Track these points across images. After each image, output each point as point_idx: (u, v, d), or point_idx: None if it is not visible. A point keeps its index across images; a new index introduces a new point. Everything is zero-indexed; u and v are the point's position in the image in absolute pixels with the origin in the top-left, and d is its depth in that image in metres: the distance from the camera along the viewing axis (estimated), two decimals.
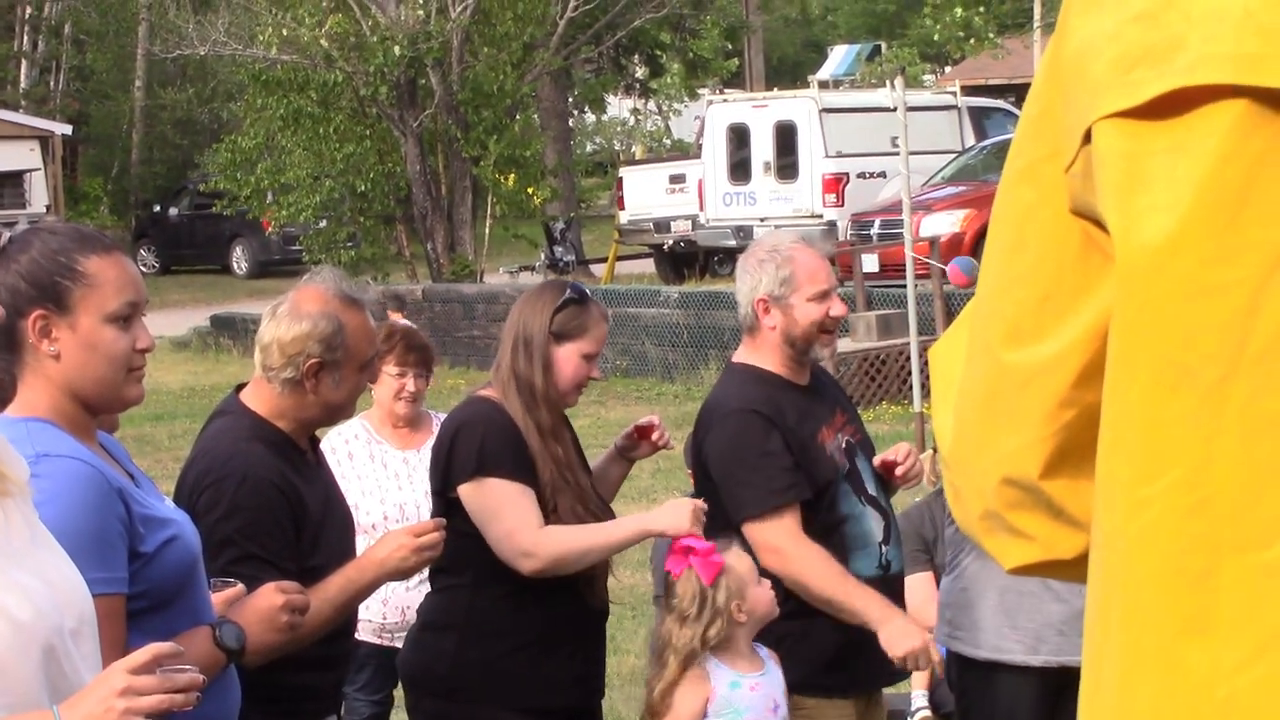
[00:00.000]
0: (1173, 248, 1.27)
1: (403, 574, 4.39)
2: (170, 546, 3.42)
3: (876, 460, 5.16)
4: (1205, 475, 1.28)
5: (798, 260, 5.07)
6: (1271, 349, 1.26)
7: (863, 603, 4.86)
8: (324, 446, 6.53)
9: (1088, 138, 1.34)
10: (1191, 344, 1.28)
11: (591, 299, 5.01)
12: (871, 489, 5.12)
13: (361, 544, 6.36)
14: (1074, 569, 1.47)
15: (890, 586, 5.10)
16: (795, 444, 4.98)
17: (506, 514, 4.77)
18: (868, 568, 5.01)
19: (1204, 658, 1.28)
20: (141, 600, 3.35)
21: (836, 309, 5.08)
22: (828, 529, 4.97)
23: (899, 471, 5.15)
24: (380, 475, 6.46)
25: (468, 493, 4.81)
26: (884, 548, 5.10)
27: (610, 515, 4.99)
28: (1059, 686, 5.20)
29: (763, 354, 5.12)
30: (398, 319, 7.59)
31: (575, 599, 4.85)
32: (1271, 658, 1.26)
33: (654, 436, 5.11)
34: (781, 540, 4.90)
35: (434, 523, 4.40)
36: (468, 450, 4.83)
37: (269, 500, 4.20)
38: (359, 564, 4.30)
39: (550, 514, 4.79)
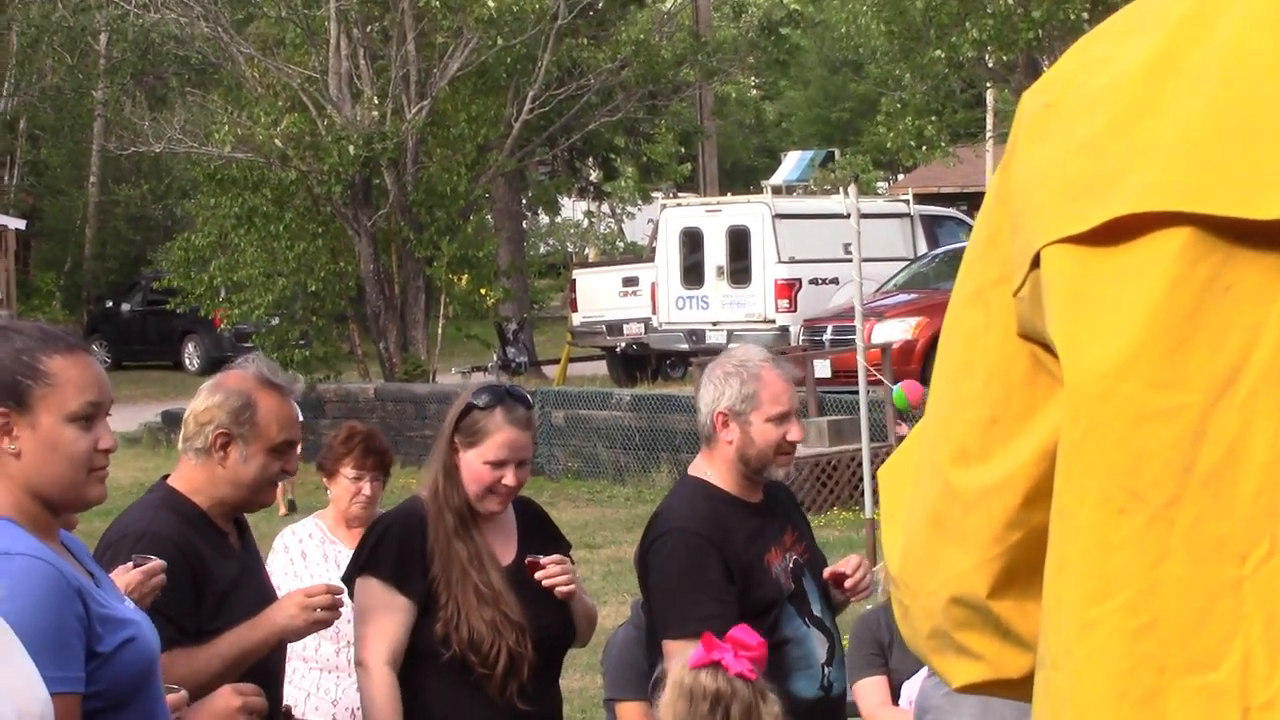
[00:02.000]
0: (1120, 372, 1.30)
1: (295, 633, 4.47)
2: (128, 647, 3.40)
3: (826, 572, 5.13)
4: (1151, 598, 1.29)
5: (764, 379, 5.07)
6: (1218, 474, 1.28)
7: None
8: (277, 545, 6.59)
9: (1036, 262, 1.36)
10: (1139, 468, 1.29)
11: (506, 404, 4.93)
12: (817, 610, 5.11)
13: (314, 645, 6.40)
14: (1020, 688, 1.49)
15: (831, 708, 5.11)
16: (739, 566, 4.97)
17: (366, 618, 4.86)
18: (809, 689, 5.00)
19: None
20: (97, 700, 3.33)
21: (794, 433, 5.07)
22: (770, 650, 4.96)
23: (848, 584, 5.13)
24: (333, 575, 6.43)
25: (355, 587, 4.92)
26: (827, 669, 5.09)
27: (549, 609, 4.94)
28: None
29: (717, 467, 5.12)
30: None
31: (494, 695, 4.80)
32: None
33: (537, 575, 4.96)
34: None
35: (326, 586, 4.54)
36: (365, 547, 4.96)
37: (166, 557, 4.24)
38: (253, 622, 4.36)
39: (446, 602, 4.79)
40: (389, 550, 4.89)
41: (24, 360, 3.35)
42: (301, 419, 4.77)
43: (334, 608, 4.46)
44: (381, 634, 4.82)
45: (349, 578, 5.00)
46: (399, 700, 4.78)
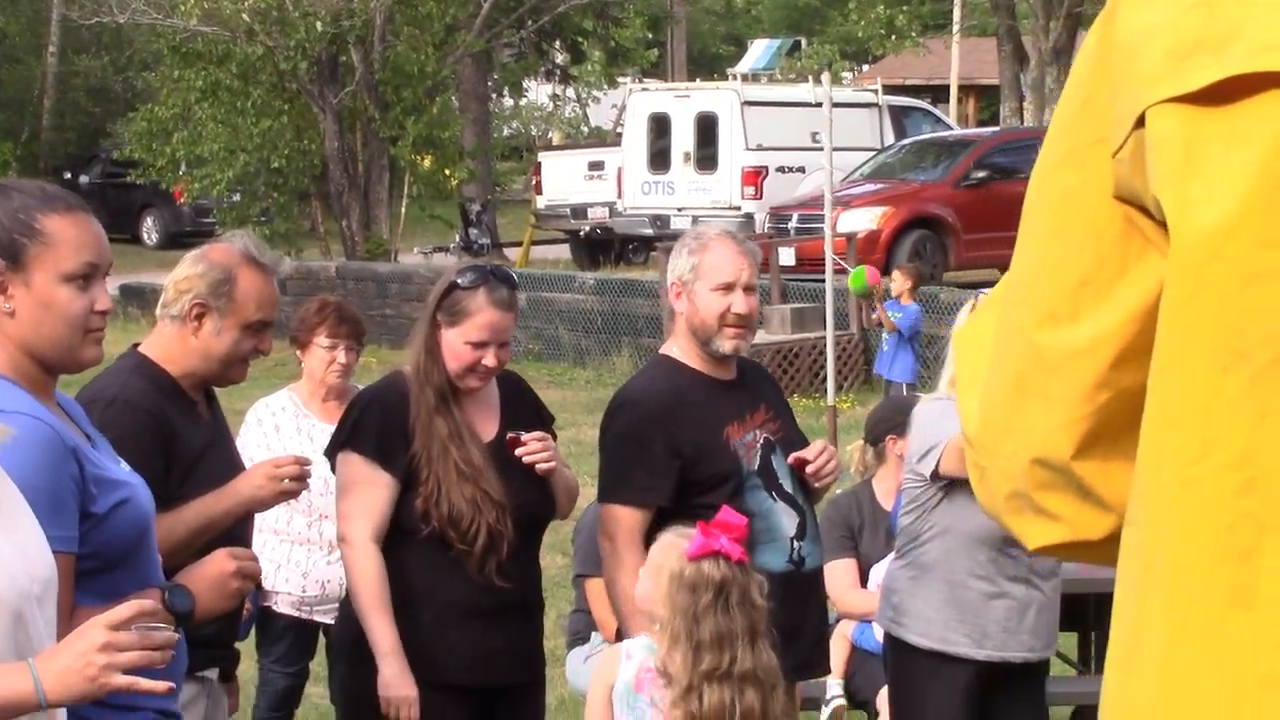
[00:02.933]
0: (1228, 233, 1.30)
1: (261, 503, 4.48)
2: (122, 509, 3.41)
3: (790, 458, 5.16)
4: (1254, 456, 1.31)
5: (711, 248, 5.11)
6: None
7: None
8: (250, 418, 6.61)
9: (1140, 123, 1.36)
10: (1244, 327, 1.30)
11: (490, 284, 4.95)
12: (788, 486, 5.15)
13: (286, 518, 6.46)
14: (1098, 550, 1.51)
15: (803, 581, 5.16)
16: (691, 439, 5.02)
17: (349, 493, 4.91)
18: (777, 562, 5.05)
19: (1248, 633, 1.30)
20: (91, 561, 3.34)
21: (739, 305, 5.06)
22: None
23: (809, 469, 5.14)
24: (306, 448, 6.46)
25: (338, 461, 4.96)
26: (797, 543, 5.14)
27: (528, 486, 5.00)
28: (994, 680, 5.35)
29: (679, 342, 5.19)
30: None
31: (474, 570, 4.86)
32: None
33: (518, 451, 5.00)
34: (616, 532, 5.00)
35: (294, 457, 4.55)
36: (347, 422, 5.00)
37: (136, 422, 4.28)
38: (220, 491, 4.36)
39: (427, 478, 4.84)
40: (371, 425, 4.92)
41: (21, 219, 3.33)
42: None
43: (301, 479, 4.48)
44: (365, 509, 4.86)
45: (330, 452, 5.03)
46: (384, 575, 4.82)
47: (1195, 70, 1.33)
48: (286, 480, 4.42)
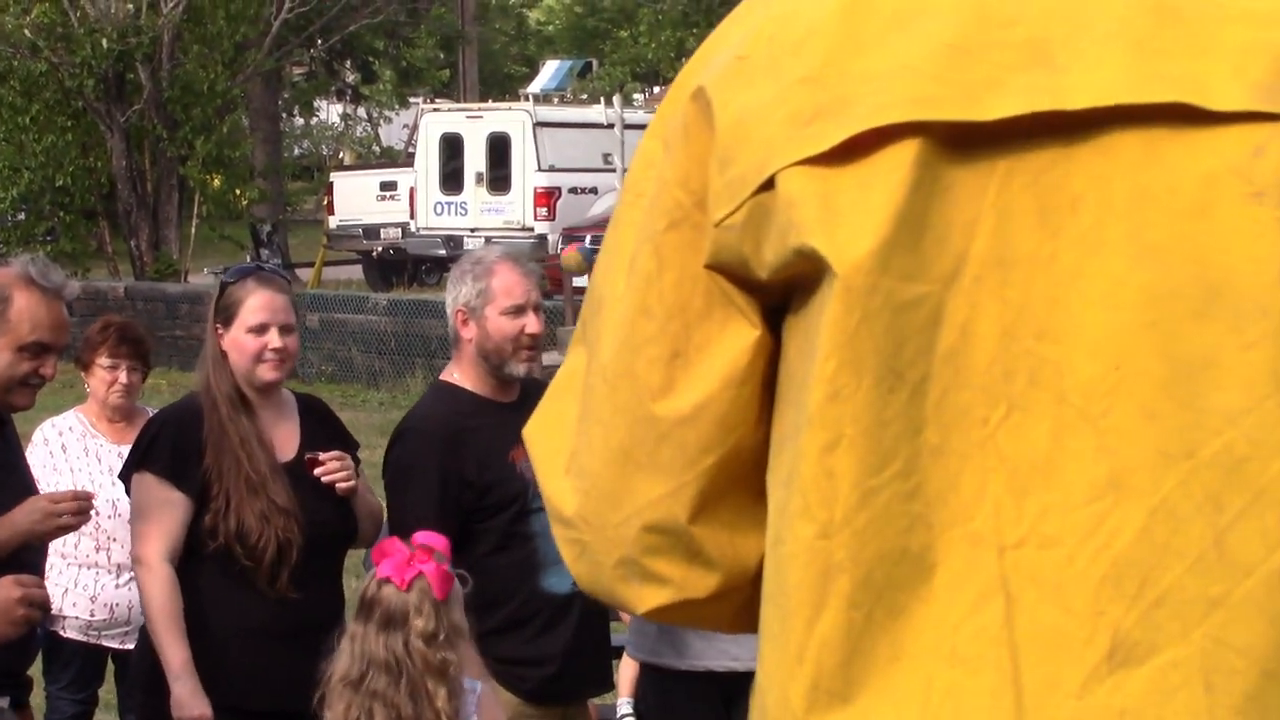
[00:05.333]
0: (880, 266, 1.45)
1: (38, 537, 4.42)
2: None
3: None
4: (917, 464, 1.48)
5: (496, 273, 5.10)
6: (955, 350, 1.47)
7: None
8: (37, 437, 6.49)
9: (762, 188, 1.50)
10: (900, 351, 1.47)
11: (256, 274, 4.99)
12: None
13: (74, 541, 6.33)
14: (703, 607, 1.64)
15: (590, 603, 5.09)
16: (477, 463, 5.00)
17: (143, 514, 4.87)
18: (561, 585, 5.03)
19: (929, 618, 1.47)
20: None
21: (532, 326, 5.07)
22: (518, 545, 5.03)
23: (318, 470, 5.03)
24: (94, 469, 6.39)
25: (132, 484, 4.92)
26: None
27: (327, 506, 4.96)
28: (731, 692, 5.38)
29: (463, 368, 5.16)
30: None
31: (262, 586, 4.82)
32: (987, 610, 1.46)
33: (316, 471, 4.98)
34: None
35: (73, 492, 4.51)
36: (141, 443, 4.96)
37: None
38: None
39: (216, 494, 4.80)
40: (164, 445, 4.87)
41: None
42: (69, 330, 4.63)
43: (81, 513, 4.41)
44: (158, 530, 4.81)
45: (125, 475, 4.97)
46: (178, 594, 4.76)
47: (819, 135, 1.48)
48: (64, 516, 4.34)
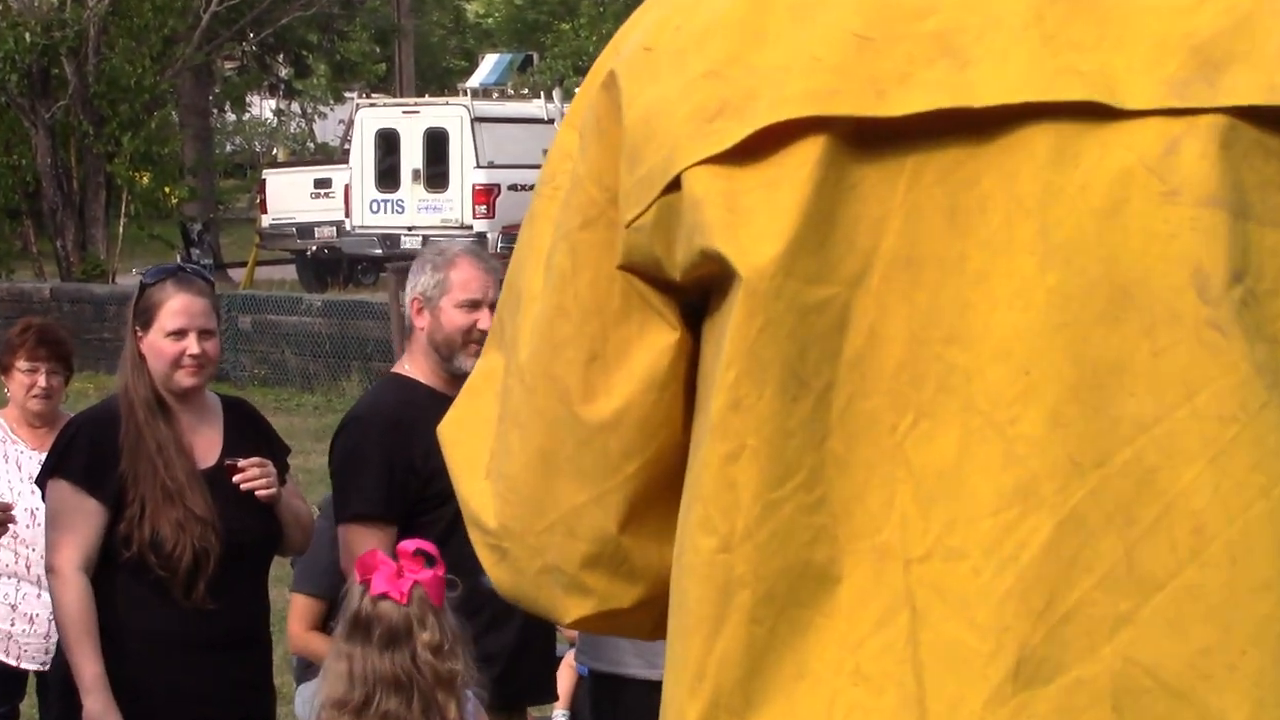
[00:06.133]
0: (785, 271, 1.43)
1: None
2: None
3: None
4: (821, 475, 1.45)
5: (456, 265, 5.14)
6: (862, 356, 1.45)
7: None
8: None
9: (669, 189, 1.48)
10: (804, 357, 1.44)
11: (177, 276, 4.99)
12: None
13: None
14: (625, 617, 1.63)
15: None
16: (420, 454, 4.97)
17: (57, 522, 4.86)
18: None
19: (834, 634, 1.45)
20: None
21: (485, 322, 5.06)
22: (462, 539, 5.00)
23: (237, 478, 5.01)
24: (13, 476, 6.35)
25: (47, 491, 4.91)
26: None
27: (248, 514, 4.94)
28: None
29: (415, 359, 5.18)
30: None
31: (178, 595, 4.79)
32: (892, 625, 1.44)
33: (235, 478, 4.95)
34: (358, 552, 4.78)
35: None
36: (56, 449, 4.95)
37: None
38: None
39: (131, 500, 4.78)
40: (80, 451, 4.86)
41: None
42: None
43: (1, 524, 4.40)
44: (73, 539, 4.79)
45: (41, 481, 4.96)
46: (91, 605, 4.75)
47: (722, 132, 1.46)
48: None
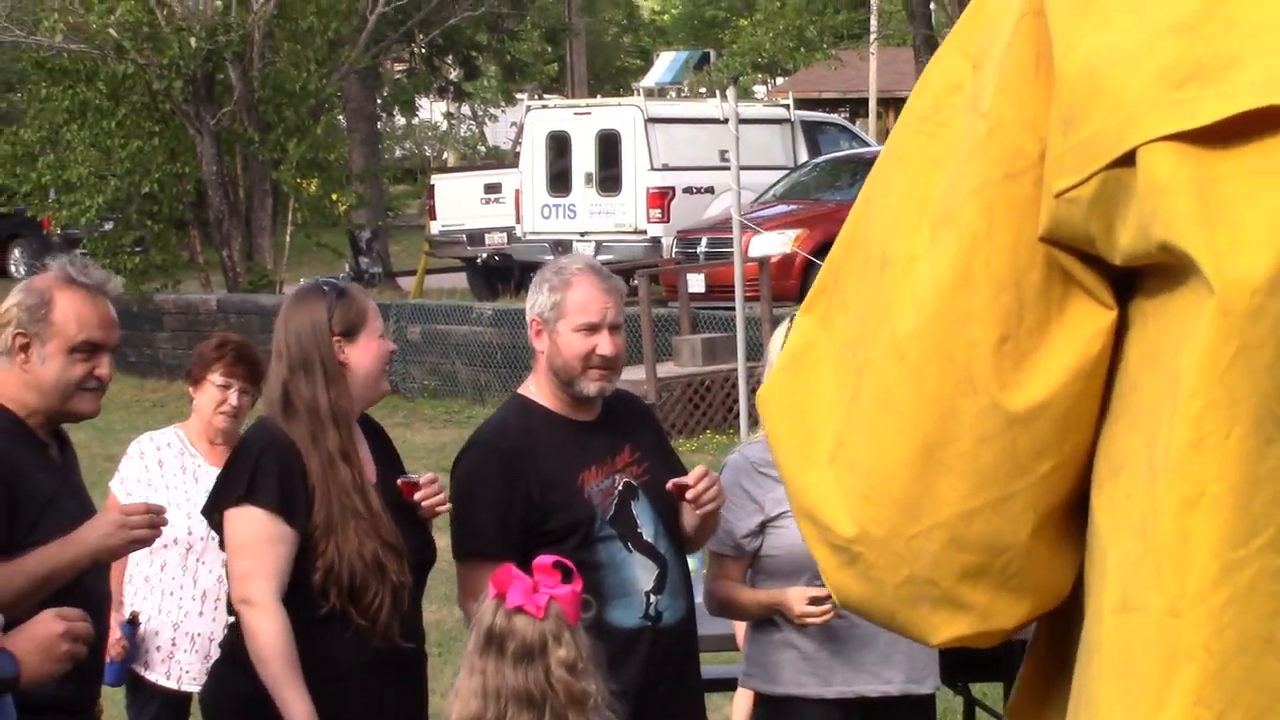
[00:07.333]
0: (1271, 285, 1.23)
1: (109, 552, 4.44)
2: None
3: (670, 484, 5.02)
4: None
5: (573, 285, 5.05)
6: None
7: None
8: (133, 450, 6.59)
9: (1119, 161, 1.29)
10: None
11: (352, 285, 5.12)
12: (648, 535, 5.07)
13: (161, 559, 6.38)
14: (994, 638, 1.45)
15: (663, 638, 5.07)
16: (541, 484, 4.96)
17: (250, 551, 4.80)
18: (629, 618, 4.99)
19: None
20: None
21: (604, 347, 5.01)
22: (581, 576, 4.97)
23: (689, 495, 5.00)
24: (190, 488, 6.44)
25: (229, 518, 4.85)
26: (653, 597, 5.05)
27: (417, 531, 4.96)
28: (854, 717, 5.30)
29: (538, 380, 5.15)
30: None
31: (374, 641, 4.80)
32: None
33: (417, 496, 4.99)
34: (473, 590, 4.80)
35: (145, 505, 4.52)
36: (240, 474, 4.86)
37: None
38: (65, 539, 4.33)
39: (325, 549, 4.77)
40: (268, 477, 4.81)
41: None
42: (119, 324, 4.69)
43: (153, 527, 4.43)
44: (269, 568, 4.76)
45: (219, 507, 4.90)
46: (293, 638, 4.72)
47: (1195, 103, 1.25)
48: (136, 530, 4.37)
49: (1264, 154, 1.24)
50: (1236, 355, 1.25)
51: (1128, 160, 1.28)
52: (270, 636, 4.73)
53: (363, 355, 4.91)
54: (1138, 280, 1.33)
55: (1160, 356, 1.31)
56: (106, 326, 4.53)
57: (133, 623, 6.43)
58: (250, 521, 4.80)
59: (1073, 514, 1.41)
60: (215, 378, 6.48)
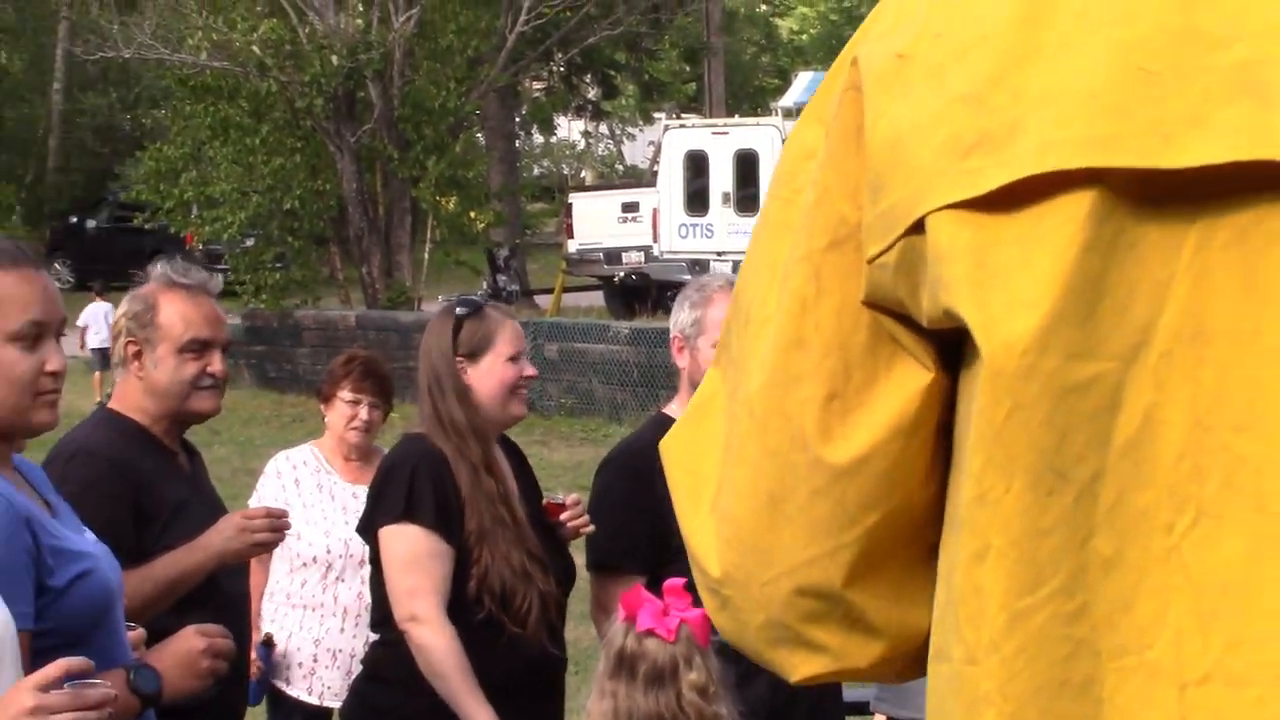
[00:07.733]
0: (1041, 347, 1.29)
1: (234, 555, 4.47)
2: (83, 581, 3.36)
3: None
4: (1082, 580, 1.30)
5: (714, 303, 5.05)
6: (1136, 442, 1.29)
7: None
8: (269, 469, 6.64)
9: (913, 229, 1.34)
10: (1063, 446, 1.30)
11: (488, 304, 5.07)
12: None
13: (301, 578, 6.45)
14: (866, 673, 1.53)
15: None
16: (670, 507, 4.93)
17: (415, 568, 4.82)
18: None
19: None
20: (51, 638, 3.24)
21: None
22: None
23: (564, 515, 5.04)
24: (327, 506, 6.49)
25: (386, 536, 4.86)
26: None
27: (558, 551, 5.02)
28: None
29: (681, 399, 5.15)
30: None
31: (526, 648, 4.84)
32: None
33: (563, 516, 5.02)
34: (610, 605, 4.75)
35: (265, 509, 4.57)
36: (395, 492, 4.88)
37: (96, 471, 4.32)
38: (191, 545, 4.38)
39: (479, 556, 4.80)
40: (424, 493, 4.84)
41: None
42: (226, 323, 4.71)
43: (276, 530, 4.48)
44: (433, 584, 4.79)
45: (376, 525, 4.93)
46: (463, 651, 4.76)
47: (978, 173, 1.31)
48: (259, 534, 4.43)
49: (1038, 220, 1.29)
50: (1010, 414, 1.31)
51: (920, 228, 1.34)
52: (443, 651, 4.77)
53: (485, 378, 4.93)
54: (964, 347, 1.37)
55: (966, 415, 1.36)
56: (213, 323, 4.56)
57: (267, 644, 6.49)
58: (409, 538, 4.83)
59: (925, 559, 1.46)
60: (344, 394, 6.53)
